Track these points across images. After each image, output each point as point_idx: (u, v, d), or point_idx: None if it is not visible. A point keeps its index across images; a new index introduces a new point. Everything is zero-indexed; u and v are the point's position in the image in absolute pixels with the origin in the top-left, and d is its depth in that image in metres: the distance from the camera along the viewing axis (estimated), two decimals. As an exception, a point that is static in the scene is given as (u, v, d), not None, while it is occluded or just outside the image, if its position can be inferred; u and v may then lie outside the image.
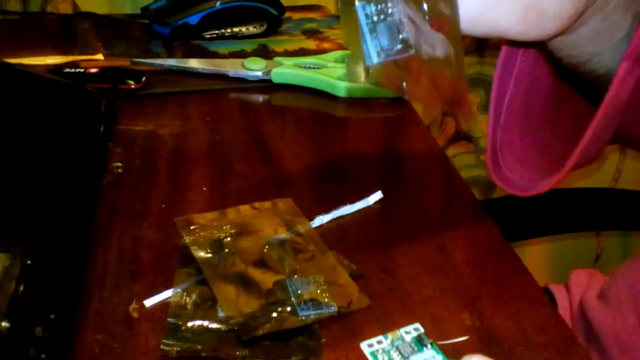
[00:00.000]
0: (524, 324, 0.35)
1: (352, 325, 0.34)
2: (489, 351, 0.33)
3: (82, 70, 0.59)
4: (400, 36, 0.23)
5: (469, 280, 0.38)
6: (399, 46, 0.22)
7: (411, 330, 0.28)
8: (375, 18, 0.22)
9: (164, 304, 0.35)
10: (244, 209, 0.43)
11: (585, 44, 0.34)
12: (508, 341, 0.34)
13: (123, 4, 0.85)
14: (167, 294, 0.36)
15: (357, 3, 0.22)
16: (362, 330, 0.34)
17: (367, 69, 0.23)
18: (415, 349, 0.26)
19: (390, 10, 0.23)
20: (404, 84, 0.25)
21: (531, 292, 0.38)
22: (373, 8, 0.22)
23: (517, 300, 0.37)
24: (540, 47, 0.37)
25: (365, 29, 0.22)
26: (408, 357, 0.24)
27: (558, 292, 0.58)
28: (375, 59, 0.22)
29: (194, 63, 0.65)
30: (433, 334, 0.33)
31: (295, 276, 0.36)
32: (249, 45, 0.73)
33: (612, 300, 0.49)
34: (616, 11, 0.33)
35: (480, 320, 0.35)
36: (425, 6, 0.23)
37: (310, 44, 0.75)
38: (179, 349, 0.32)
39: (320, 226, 0.42)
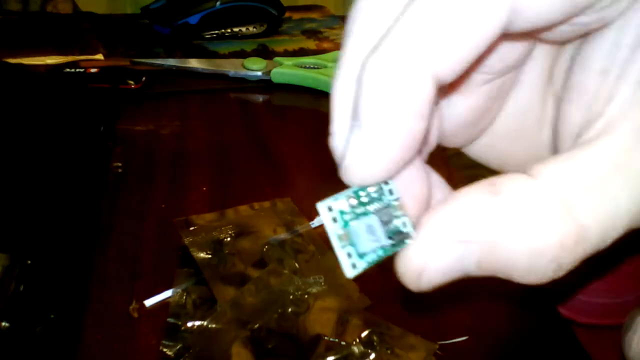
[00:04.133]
0: (524, 324, 0.35)
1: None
2: (489, 351, 0.33)
3: (82, 70, 0.59)
4: (390, 227, 0.17)
5: (470, 279, 0.38)
6: (387, 242, 0.17)
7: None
8: (348, 217, 0.17)
9: (164, 304, 0.35)
10: (244, 209, 0.43)
11: (502, 148, 0.23)
12: (508, 341, 0.34)
13: (123, 4, 0.86)
14: (167, 294, 0.36)
15: (318, 205, 0.17)
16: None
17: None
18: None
19: (373, 206, 0.17)
20: None
21: (531, 291, 0.38)
22: (346, 205, 0.17)
23: (518, 299, 0.37)
24: None
25: (333, 237, 0.17)
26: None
27: None
28: (349, 273, 0.17)
29: (194, 63, 0.65)
30: (433, 334, 0.33)
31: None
32: (249, 45, 0.73)
33: None
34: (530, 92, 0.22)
35: (480, 320, 0.35)
36: None
37: (310, 44, 0.75)
38: (178, 348, 0.32)
39: (320, 226, 0.42)
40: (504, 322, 0.35)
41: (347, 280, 0.37)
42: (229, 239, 0.39)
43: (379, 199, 0.17)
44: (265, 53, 0.72)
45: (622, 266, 0.37)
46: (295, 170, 0.49)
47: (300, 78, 0.62)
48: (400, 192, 0.18)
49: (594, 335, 0.36)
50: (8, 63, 0.58)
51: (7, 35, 0.73)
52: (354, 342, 0.33)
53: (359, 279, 0.37)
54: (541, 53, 0.21)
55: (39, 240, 0.37)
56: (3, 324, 0.31)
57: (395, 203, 0.17)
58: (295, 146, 0.53)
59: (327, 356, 0.32)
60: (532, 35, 0.19)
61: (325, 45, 0.75)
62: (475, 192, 0.16)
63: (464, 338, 0.34)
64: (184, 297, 0.35)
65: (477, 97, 0.21)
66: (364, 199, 0.17)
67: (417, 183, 0.18)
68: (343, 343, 0.33)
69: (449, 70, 0.15)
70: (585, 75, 0.18)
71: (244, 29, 0.75)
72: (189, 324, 0.34)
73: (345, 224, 0.17)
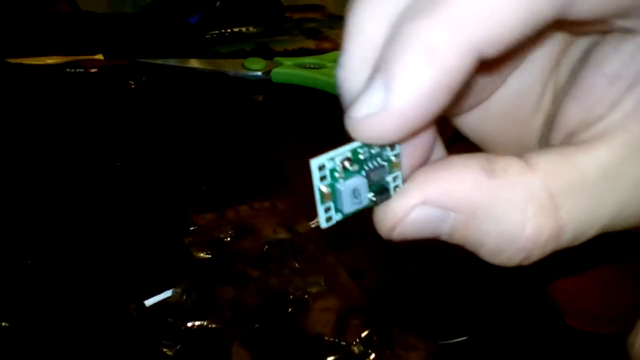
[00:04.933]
0: (524, 324, 0.35)
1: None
2: (488, 351, 0.33)
3: (82, 70, 0.59)
4: (378, 184, 0.17)
5: (470, 278, 0.38)
6: (369, 201, 0.17)
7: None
8: (339, 175, 0.17)
9: (164, 304, 0.35)
10: (243, 209, 0.43)
11: (492, 125, 0.22)
12: (508, 341, 0.34)
13: (123, 3, 0.86)
14: (167, 294, 0.36)
15: (311, 162, 0.17)
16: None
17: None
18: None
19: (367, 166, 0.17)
20: None
21: (532, 290, 0.38)
22: (339, 165, 0.17)
23: (517, 299, 0.37)
24: None
25: (317, 194, 0.17)
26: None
27: None
28: (324, 224, 0.17)
29: (194, 63, 0.65)
30: (433, 334, 0.33)
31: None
32: (249, 45, 0.73)
33: None
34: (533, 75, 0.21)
35: (480, 320, 0.35)
36: None
37: (310, 44, 0.75)
38: (178, 348, 0.32)
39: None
40: (504, 322, 0.35)
41: (347, 280, 0.37)
42: (229, 239, 0.39)
43: (378, 155, 0.17)
44: (265, 53, 0.72)
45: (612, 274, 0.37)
46: (295, 170, 0.49)
47: (300, 78, 0.62)
48: (401, 149, 0.17)
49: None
50: (9, 63, 0.58)
51: (7, 35, 0.73)
52: (354, 342, 0.33)
53: (359, 279, 0.37)
54: (554, 39, 0.20)
55: (38, 240, 0.37)
56: (3, 324, 0.31)
57: (394, 159, 0.17)
58: (295, 146, 0.53)
59: (327, 356, 0.32)
60: (570, 24, 0.18)
61: (325, 45, 0.75)
62: (471, 167, 0.16)
63: (464, 338, 0.34)
64: (184, 297, 0.35)
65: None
66: (362, 156, 0.17)
67: (423, 148, 0.18)
68: (343, 343, 0.33)
69: (493, 50, 0.15)
70: (595, 76, 0.17)
71: (244, 29, 0.75)
72: (189, 324, 0.34)
73: (333, 183, 0.17)
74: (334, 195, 0.17)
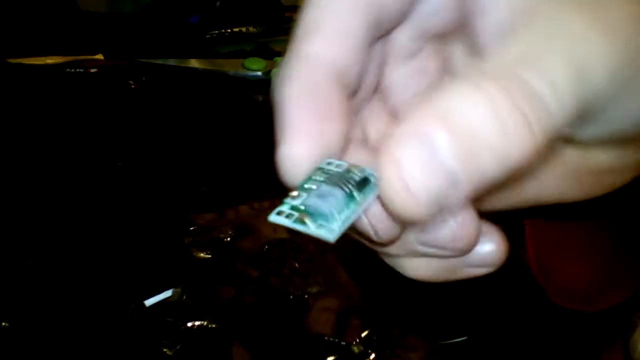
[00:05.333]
0: (524, 324, 0.35)
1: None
2: (488, 351, 0.33)
3: (82, 70, 0.59)
4: (345, 181, 0.17)
5: (470, 278, 0.38)
6: (347, 191, 0.17)
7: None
8: (298, 202, 0.17)
9: (163, 304, 0.35)
10: (243, 209, 0.43)
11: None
12: (508, 341, 0.34)
13: (123, 3, 0.85)
14: (167, 293, 0.36)
15: (270, 219, 0.17)
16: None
17: None
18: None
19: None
20: None
21: (532, 290, 0.38)
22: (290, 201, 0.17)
23: (518, 298, 0.37)
24: None
25: (297, 227, 0.17)
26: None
27: None
28: (332, 238, 0.17)
29: (194, 63, 0.65)
30: (433, 334, 0.33)
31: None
32: (248, 45, 0.73)
33: None
34: None
35: (480, 320, 0.35)
36: None
37: (310, 44, 0.75)
38: (178, 348, 0.32)
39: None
40: (504, 322, 0.35)
41: (347, 280, 0.37)
42: (229, 239, 0.39)
43: (323, 176, 0.17)
44: (266, 53, 0.72)
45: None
46: (295, 170, 0.49)
47: (300, 78, 0.62)
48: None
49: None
50: (10, 62, 0.58)
51: (7, 35, 0.73)
52: (354, 342, 0.33)
53: (359, 278, 0.37)
54: None
55: (38, 240, 0.37)
56: (3, 324, 0.31)
57: (339, 170, 0.17)
58: (295, 146, 0.53)
59: (327, 356, 0.32)
60: None
61: (325, 45, 0.75)
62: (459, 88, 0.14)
63: (463, 338, 0.34)
64: (184, 297, 0.35)
65: None
66: (308, 185, 0.17)
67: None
68: (343, 343, 0.33)
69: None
70: None
71: (244, 29, 0.75)
72: (189, 324, 0.34)
73: (298, 209, 0.17)
74: (310, 215, 0.17)
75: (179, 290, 0.36)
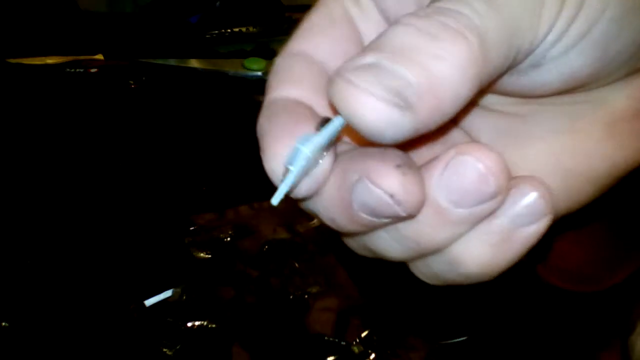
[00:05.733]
0: (523, 324, 0.35)
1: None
2: (488, 351, 0.33)
3: (82, 70, 0.59)
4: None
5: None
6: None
7: None
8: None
9: (163, 304, 0.35)
10: (243, 209, 0.43)
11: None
12: (508, 340, 0.34)
13: (123, 3, 0.85)
14: (167, 294, 0.36)
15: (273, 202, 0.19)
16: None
17: None
18: None
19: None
20: None
21: (532, 290, 0.38)
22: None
23: (518, 298, 0.37)
24: None
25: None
26: None
27: None
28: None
29: (194, 63, 0.65)
30: (433, 334, 0.33)
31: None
32: (248, 45, 0.73)
33: None
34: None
35: (480, 320, 0.35)
36: None
37: (310, 44, 0.75)
38: (178, 348, 0.32)
39: (320, 226, 0.42)
40: (504, 323, 0.35)
41: (347, 280, 0.37)
42: (229, 239, 0.39)
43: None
44: (266, 53, 0.72)
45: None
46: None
47: (300, 78, 0.62)
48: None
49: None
50: (11, 62, 0.58)
51: (7, 35, 0.73)
52: (354, 342, 0.33)
53: (359, 278, 0.37)
54: None
55: (38, 240, 0.37)
56: (3, 324, 0.31)
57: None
58: (295, 146, 0.53)
59: (327, 356, 0.32)
60: None
61: (325, 45, 0.75)
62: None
63: (463, 338, 0.34)
64: (184, 297, 0.35)
65: None
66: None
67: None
68: (343, 343, 0.33)
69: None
70: None
71: (244, 29, 0.75)
72: (189, 324, 0.34)
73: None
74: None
75: (179, 290, 0.36)
